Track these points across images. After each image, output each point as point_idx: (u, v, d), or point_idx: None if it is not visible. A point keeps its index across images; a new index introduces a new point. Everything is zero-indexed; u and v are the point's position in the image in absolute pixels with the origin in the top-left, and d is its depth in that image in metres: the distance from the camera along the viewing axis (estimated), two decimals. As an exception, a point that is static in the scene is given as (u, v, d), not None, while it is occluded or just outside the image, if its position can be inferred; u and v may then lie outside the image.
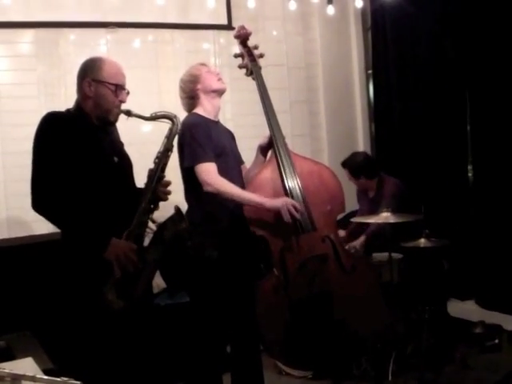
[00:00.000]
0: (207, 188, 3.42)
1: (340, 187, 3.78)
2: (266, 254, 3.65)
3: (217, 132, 3.63)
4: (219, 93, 3.73)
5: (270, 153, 3.82)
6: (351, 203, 4.99)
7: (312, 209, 3.60)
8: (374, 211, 4.68)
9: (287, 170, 3.62)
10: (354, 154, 5.45)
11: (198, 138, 3.47)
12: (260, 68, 3.90)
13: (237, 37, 3.94)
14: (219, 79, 3.72)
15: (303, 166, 3.73)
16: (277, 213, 3.50)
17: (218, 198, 3.48)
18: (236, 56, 3.95)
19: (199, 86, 3.67)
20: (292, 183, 3.60)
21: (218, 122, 3.75)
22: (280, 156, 3.66)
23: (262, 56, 3.93)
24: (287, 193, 3.61)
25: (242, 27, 3.94)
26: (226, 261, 3.52)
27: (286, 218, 3.44)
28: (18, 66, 5.05)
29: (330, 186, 3.76)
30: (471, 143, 5.54)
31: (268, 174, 3.67)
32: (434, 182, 5.64)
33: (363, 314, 3.53)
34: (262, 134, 3.83)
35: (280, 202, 3.48)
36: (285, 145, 3.72)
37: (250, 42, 3.93)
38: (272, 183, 3.61)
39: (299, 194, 3.58)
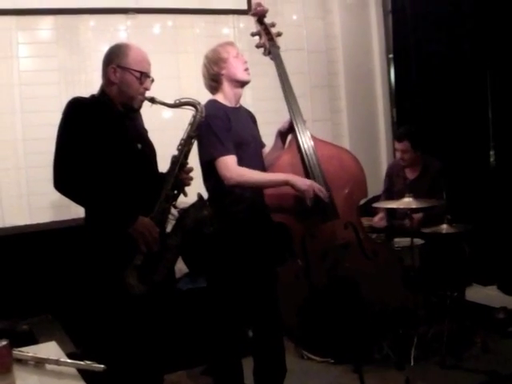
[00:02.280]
0: (229, 182, 3.37)
1: (362, 172, 3.74)
2: (288, 241, 3.63)
3: (237, 120, 3.55)
4: (242, 83, 3.64)
5: (289, 138, 3.78)
6: (373, 189, 4.97)
7: (334, 194, 3.58)
8: (418, 192, 4.62)
9: (308, 155, 3.58)
10: (409, 127, 5.40)
11: (216, 131, 3.40)
12: (278, 48, 3.80)
13: (253, 14, 3.85)
14: (246, 69, 3.60)
15: (324, 150, 3.70)
16: (299, 197, 3.48)
17: (237, 189, 3.45)
18: (253, 35, 3.86)
19: (224, 72, 3.56)
20: (313, 168, 3.56)
21: (238, 108, 3.67)
22: (300, 140, 3.61)
23: (279, 34, 3.84)
24: (309, 178, 3.58)
25: (259, 4, 3.85)
26: (246, 250, 3.50)
27: (309, 200, 3.39)
28: (38, 53, 5.07)
29: (352, 171, 3.73)
30: (493, 128, 5.49)
31: (288, 159, 3.63)
32: (456, 168, 5.59)
33: (385, 297, 3.52)
34: (283, 119, 3.80)
35: (307, 184, 3.43)
36: (305, 129, 3.67)
37: (267, 20, 3.84)
38: (292, 168, 3.58)
39: (321, 179, 3.54)
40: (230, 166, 3.39)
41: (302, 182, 3.44)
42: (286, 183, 3.42)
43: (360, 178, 3.73)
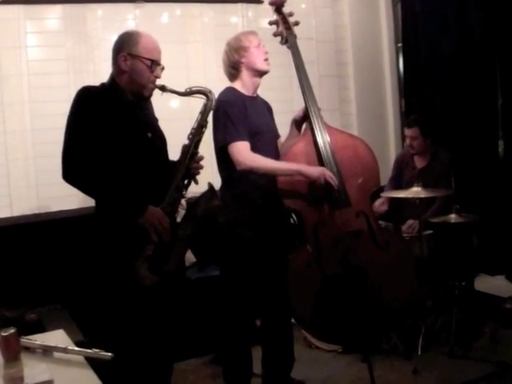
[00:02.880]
0: (241, 167, 3.40)
1: (375, 161, 3.73)
2: (299, 228, 3.64)
3: (253, 109, 3.58)
4: (261, 73, 3.67)
5: (304, 126, 3.78)
6: (381, 178, 4.94)
7: (346, 182, 3.57)
8: (427, 181, 4.64)
9: (322, 143, 3.58)
10: (420, 115, 5.38)
11: (232, 116, 3.43)
12: (295, 37, 3.80)
13: (272, 3, 3.86)
14: (266, 59, 3.64)
15: (338, 139, 3.69)
16: (311, 184, 3.48)
17: (250, 176, 3.47)
18: (271, 23, 3.87)
19: (244, 60, 3.59)
20: (327, 156, 3.56)
21: (255, 98, 3.71)
22: (315, 128, 3.61)
23: (297, 24, 3.84)
24: (322, 166, 3.58)
25: None
26: (259, 238, 3.52)
27: (321, 187, 3.40)
28: (46, 42, 5.07)
29: (365, 160, 3.72)
30: (502, 118, 5.46)
31: (302, 146, 3.63)
32: (465, 158, 5.58)
33: (396, 288, 3.52)
34: (291, 109, 3.79)
35: (318, 171, 3.44)
36: (320, 117, 3.67)
37: (285, 9, 3.84)
38: (306, 156, 3.58)
39: (334, 167, 3.54)
40: (242, 151, 3.42)
41: (314, 170, 3.45)
42: (299, 173, 3.44)
43: (373, 168, 3.73)
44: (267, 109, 3.83)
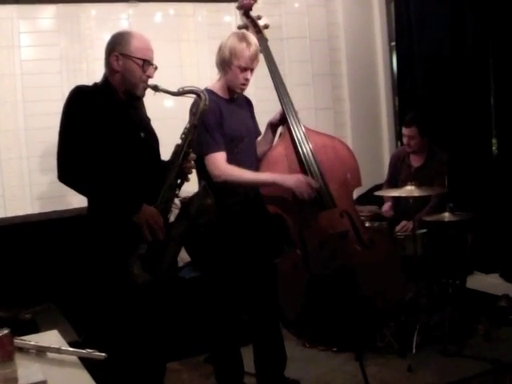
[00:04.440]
0: (216, 179, 3.39)
1: (355, 160, 3.77)
2: (285, 232, 3.64)
3: (231, 114, 3.54)
4: (233, 92, 3.58)
5: (279, 129, 3.77)
6: (375, 177, 4.95)
7: (329, 183, 3.58)
8: (423, 180, 4.66)
9: (302, 146, 3.58)
10: (418, 112, 5.37)
11: (207, 125, 3.39)
12: (266, 40, 3.78)
13: (239, 7, 3.83)
14: (243, 84, 3.51)
15: (317, 140, 3.70)
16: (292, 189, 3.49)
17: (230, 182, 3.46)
18: (240, 28, 3.83)
19: (226, 68, 3.49)
20: (308, 158, 3.56)
21: (234, 100, 3.62)
22: (294, 131, 3.61)
23: (266, 27, 3.81)
24: (304, 168, 3.58)
25: None
26: (238, 242, 3.52)
27: (301, 196, 3.40)
28: (40, 42, 5.04)
29: (345, 160, 3.75)
30: (495, 116, 5.47)
31: (282, 150, 3.63)
32: (459, 156, 5.58)
33: (384, 285, 3.53)
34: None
35: (292, 181, 3.43)
36: (298, 119, 3.66)
37: (253, 13, 3.82)
38: (287, 160, 3.59)
39: (316, 168, 3.55)
40: (218, 163, 3.41)
41: (290, 179, 3.44)
42: (273, 183, 3.45)
43: (354, 167, 3.75)
44: (248, 106, 3.78)
